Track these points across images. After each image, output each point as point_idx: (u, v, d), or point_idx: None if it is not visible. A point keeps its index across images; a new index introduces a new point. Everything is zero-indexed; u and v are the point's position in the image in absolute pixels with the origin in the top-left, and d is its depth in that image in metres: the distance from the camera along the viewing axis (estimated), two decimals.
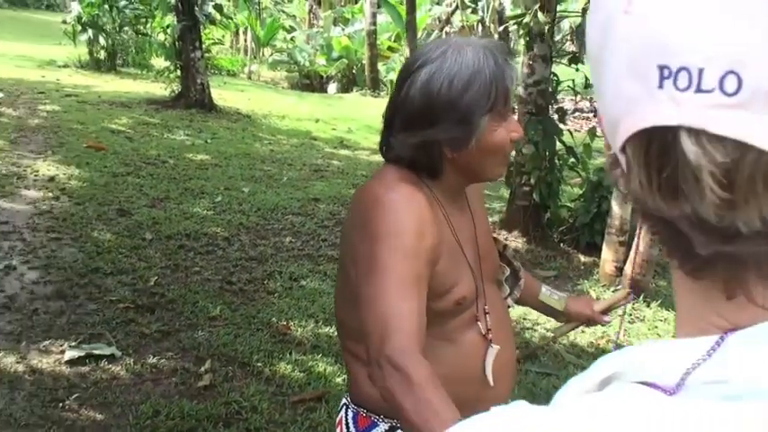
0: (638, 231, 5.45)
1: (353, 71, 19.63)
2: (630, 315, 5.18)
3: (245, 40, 22.62)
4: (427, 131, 1.57)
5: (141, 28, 16.80)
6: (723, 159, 0.42)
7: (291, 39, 22.47)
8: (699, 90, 0.41)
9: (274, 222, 6.62)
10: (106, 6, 16.03)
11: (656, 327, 5.09)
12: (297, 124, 12.43)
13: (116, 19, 16.34)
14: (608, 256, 5.61)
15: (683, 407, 0.44)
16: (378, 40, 18.50)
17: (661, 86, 0.43)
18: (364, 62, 18.46)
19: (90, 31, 16.33)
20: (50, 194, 6.74)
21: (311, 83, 20.17)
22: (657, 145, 0.44)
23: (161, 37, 16.10)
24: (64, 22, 17.12)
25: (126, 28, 16.68)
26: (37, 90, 12.53)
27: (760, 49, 0.40)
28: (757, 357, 0.44)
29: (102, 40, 16.54)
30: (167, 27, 14.81)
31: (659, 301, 5.38)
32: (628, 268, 5.54)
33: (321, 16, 23.50)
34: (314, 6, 24.33)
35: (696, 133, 0.42)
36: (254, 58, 21.67)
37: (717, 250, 0.45)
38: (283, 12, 24.35)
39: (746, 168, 0.41)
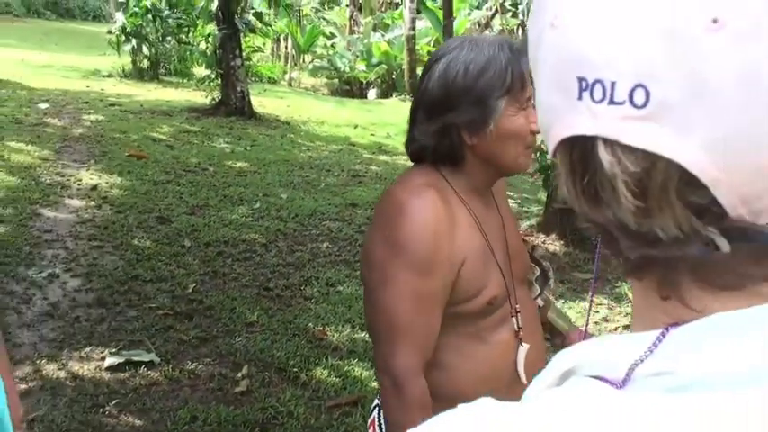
0: None
1: (393, 76, 19.67)
2: None
3: (286, 48, 22.78)
4: (446, 117, 1.60)
5: (183, 37, 17.03)
6: (635, 169, 0.43)
7: (332, 45, 22.59)
8: (612, 102, 0.43)
9: (312, 228, 6.66)
10: (150, 16, 16.29)
11: None
12: (336, 130, 12.49)
13: (159, 29, 16.60)
14: None
15: (628, 400, 0.46)
16: (417, 46, 18.50)
17: (580, 98, 0.44)
18: (404, 67, 18.48)
19: (134, 41, 16.61)
20: (93, 203, 6.87)
21: (351, 89, 20.25)
22: (578, 153, 0.46)
23: (202, 45, 16.35)
24: (109, 32, 17.42)
25: (169, 37, 16.92)
26: (81, 100, 12.75)
27: (666, 65, 0.41)
28: (698, 350, 0.45)
29: (145, 50, 16.81)
30: (208, 36, 15.02)
31: None
32: None
33: (362, 22, 23.58)
34: (355, 12, 24.41)
35: (611, 144, 0.44)
36: (295, 65, 21.81)
37: (643, 254, 0.47)
38: (324, 18, 24.48)
39: (658, 178, 0.43)
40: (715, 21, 0.40)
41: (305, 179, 8.51)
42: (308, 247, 6.16)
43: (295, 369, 4.12)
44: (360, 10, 24.32)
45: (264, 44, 22.21)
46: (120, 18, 17.07)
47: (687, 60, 0.41)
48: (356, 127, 12.93)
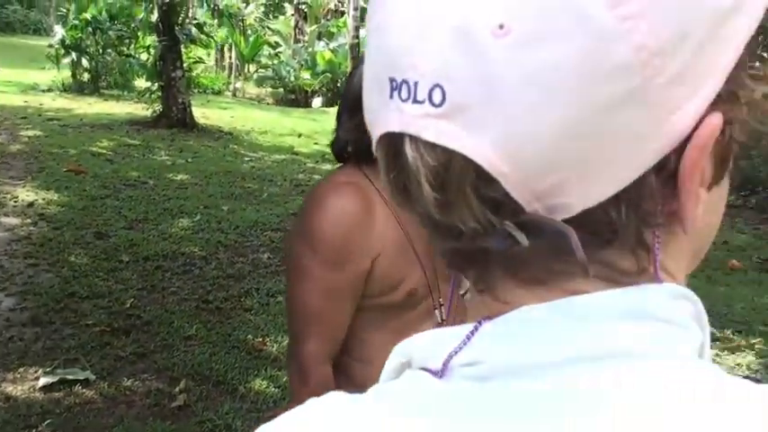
0: None
1: (338, 85, 19.68)
2: None
3: (230, 58, 22.65)
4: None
5: (124, 49, 16.84)
6: (434, 164, 0.45)
7: (276, 54, 22.53)
8: (415, 101, 0.45)
9: (253, 239, 6.64)
10: (90, 29, 16.09)
11: None
12: (279, 140, 12.46)
13: (99, 41, 16.41)
14: None
15: (443, 389, 0.49)
16: (361, 53, 18.53)
17: (392, 97, 0.47)
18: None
19: (73, 54, 16.39)
20: (29, 220, 6.76)
21: (296, 98, 20.22)
22: (392, 149, 0.48)
23: (144, 57, 16.19)
24: (50, 46, 17.17)
25: (109, 50, 16.72)
26: (19, 115, 12.55)
27: (459, 68, 0.44)
28: (503, 341, 0.49)
29: (85, 63, 16.60)
30: (149, 47, 14.88)
31: None
32: None
33: (306, 31, 23.56)
34: (299, 22, 24.39)
35: (415, 140, 0.46)
36: (239, 75, 21.70)
37: (451, 247, 0.50)
38: (268, 28, 24.41)
39: (455, 172, 0.45)
40: (501, 27, 0.42)
41: (247, 190, 8.48)
42: (249, 258, 6.15)
43: (233, 381, 4.11)
44: (305, 19, 24.31)
45: (209, 54, 22.06)
46: (59, 31, 16.85)
47: (478, 64, 0.43)
48: (300, 136, 12.91)
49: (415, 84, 0.45)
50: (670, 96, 0.45)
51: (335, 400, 0.55)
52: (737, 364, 4.70)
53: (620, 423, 0.45)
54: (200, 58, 18.38)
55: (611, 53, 0.43)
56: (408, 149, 0.46)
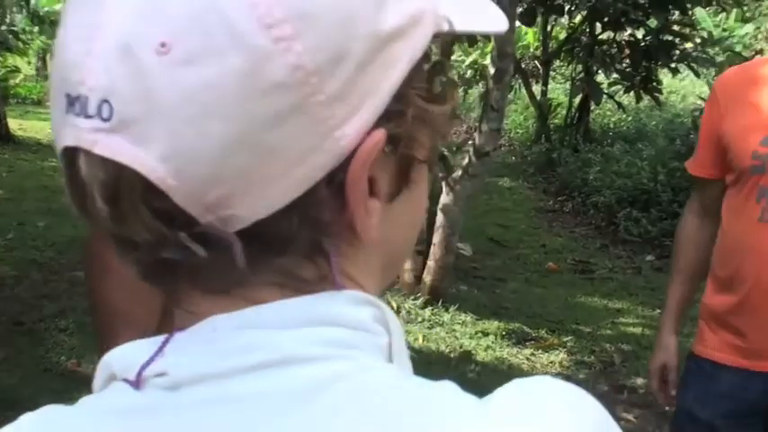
0: (433, 239, 5.65)
1: None
2: (430, 321, 5.37)
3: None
4: None
5: None
6: (105, 177, 0.46)
7: None
8: (86, 116, 0.46)
9: (70, 256, 6.38)
10: None
11: (455, 330, 5.26)
12: None
13: None
14: (407, 265, 5.75)
15: (138, 400, 0.50)
16: None
17: (67, 112, 0.47)
18: None
19: None
20: None
21: None
22: (70, 164, 0.48)
23: None
24: None
25: None
26: None
27: (125, 83, 0.45)
28: (184, 352, 0.51)
29: None
30: None
31: (457, 305, 5.58)
32: (426, 276, 5.72)
33: None
34: None
35: (88, 154, 0.46)
36: None
37: (133, 258, 0.50)
38: None
39: (125, 185, 0.46)
40: (163, 45, 0.44)
41: (65, 205, 8.09)
42: (65, 276, 5.90)
43: (44, 406, 3.92)
44: None
45: (29, 63, 21.07)
46: None
47: (141, 80, 0.44)
48: None
49: (86, 99, 0.46)
50: (332, 113, 0.47)
51: (47, 412, 0.55)
52: (551, 362, 4.93)
53: (299, 426, 0.47)
54: (16, 67, 17.51)
55: (267, 72, 0.45)
56: (82, 164, 0.47)
